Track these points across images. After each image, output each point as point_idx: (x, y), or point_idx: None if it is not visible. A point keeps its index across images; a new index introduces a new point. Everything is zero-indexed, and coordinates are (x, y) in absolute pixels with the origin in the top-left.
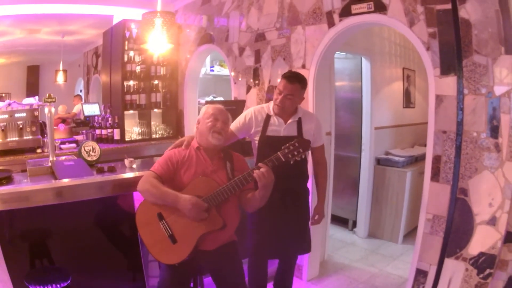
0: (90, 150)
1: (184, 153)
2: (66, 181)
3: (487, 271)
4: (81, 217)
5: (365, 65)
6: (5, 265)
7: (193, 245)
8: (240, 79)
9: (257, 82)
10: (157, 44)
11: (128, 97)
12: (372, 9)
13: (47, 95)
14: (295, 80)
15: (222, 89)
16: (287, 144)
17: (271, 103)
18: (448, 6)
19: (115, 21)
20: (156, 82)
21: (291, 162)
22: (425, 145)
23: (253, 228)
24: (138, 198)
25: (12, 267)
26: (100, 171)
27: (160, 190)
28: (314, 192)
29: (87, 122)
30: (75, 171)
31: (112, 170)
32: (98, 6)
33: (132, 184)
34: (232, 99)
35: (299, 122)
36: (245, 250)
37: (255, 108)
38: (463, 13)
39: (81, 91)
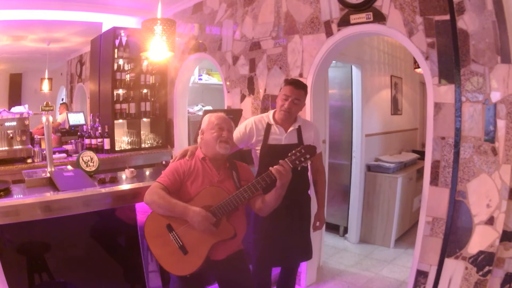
0: (88, 160)
1: (189, 164)
2: (71, 193)
3: (486, 268)
4: (81, 229)
5: (356, 73)
6: (6, 281)
7: (205, 255)
8: (228, 85)
9: (252, 91)
10: (157, 52)
11: (118, 106)
12: (371, 19)
13: (45, 103)
14: (301, 86)
15: (210, 98)
16: (293, 151)
17: (271, 113)
18: (447, 17)
19: (104, 29)
20: (145, 91)
21: (298, 169)
22: (412, 151)
23: (257, 237)
24: (140, 209)
25: (12, 282)
26: (102, 182)
27: (169, 202)
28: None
29: (72, 132)
30: (76, 182)
31: (113, 180)
32: (88, 13)
33: (136, 195)
34: (225, 108)
35: (299, 130)
36: (248, 257)
37: (255, 118)
38: (461, 24)
39: (62, 99)
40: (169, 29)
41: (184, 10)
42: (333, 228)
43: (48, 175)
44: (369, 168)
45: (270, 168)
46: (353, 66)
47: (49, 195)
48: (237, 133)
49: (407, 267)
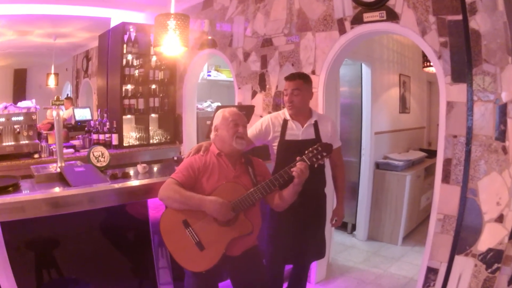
0: (99, 156)
1: (204, 160)
2: (83, 188)
3: (495, 265)
4: (92, 225)
5: (366, 71)
6: (13, 277)
7: (222, 251)
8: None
9: (263, 87)
10: (170, 47)
11: (126, 101)
12: (385, 17)
13: (55, 97)
14: (296, 77)
15: (218, 95)
16: (310, 149)
17: (287, 109)
18: (459, 17)
19: (112, 24)
20: (154, 86)
21: (315, 166)
22: (419, 149)
23: (272, 233)
24: (151, 205)
25: (21, 278)
26: (114, 177)
27: (184, 195)
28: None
29: (78, 127)
30: (88, 177)
31: (126, 176)
32: (96, 8)
33: (149, 191)
34: (236, 104)
35: (316, 125)
36: (262, 253)
37: (272, 115)
38: (473, 24)
39: (68, 94)
40: (183, 24)
41: (194, 6)
42: (341, 225)
43: (59, 170)
44: (377, 165)
45: (292, 169)
46: (363, 64)
47: (61, 191)
48: (253, 130)
49: (414, 264)
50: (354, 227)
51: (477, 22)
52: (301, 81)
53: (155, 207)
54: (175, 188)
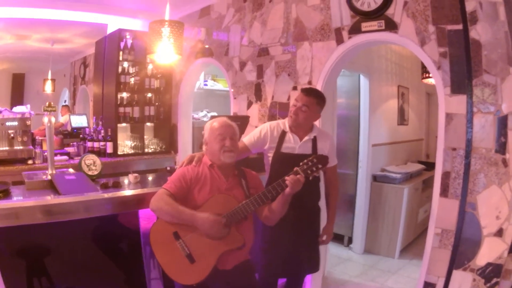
0: (91, 164)
1: (197, 170)
2: (71, 197)
3: (494, 280)
4: (82, 234)
5: (364, 82)
6: (4, 285)
7: (213, 265)
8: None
9: (259, 97)
10: (164, 54)
11: (121, 109)
12: (383, 27)
13: (47, 103)
14: (312, 93)
15: (214, 104)
16: (305, 160)
17: (287, 120)
18: (459, 26)
19: (109, 30)
20: (149, 95)
21: (310, 178)
22: (418, 162)
23: (265, 246)
24: (143, 215)
25: (11, 287)
26: (105, 186)
27: (176, 209)
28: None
29: (74, 134)
30: (78, 186)
31: (117, 185)
32: (93, 14)
33: (140, 201)
34: (231, 114)
35: (314, 141)
36: (255, 267)
37: (271, 124)
38: (473, 34)
39: (65, 101)
40: (177, 31)
41: (191, 14)
42: (337, 238)
43: (49, 177)
44: (375, 178)
45: (286, 177)
46: (361, 75)
47: (49, 199)
48: (252, 137)
49: (412, 278)
50: (350, 240)
51: (477, 32)
52: (314, 100)
53: (146, 218)
54: (167, 199)
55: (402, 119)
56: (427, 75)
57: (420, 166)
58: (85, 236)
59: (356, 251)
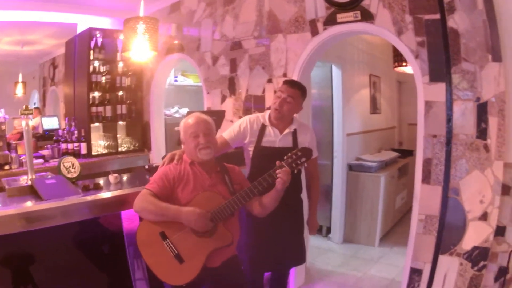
0: (69, 166)
1: (179, 169)
2: (56, 202)
3: (481, 263)
4: (66, 239)
5: (336, 72)
6: None
7: (202, 264)
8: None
9: (233, 91)
10: (139, 52)
11: (94, 109)
12: (359, 18)
13: (24, 106)
14: (296, 85)
15: (185, 100)
16: (289, 154)
17: (267, 113)
18: (437, 16)
19: (79, 30)
20: (121, 93)
21: (295, 171)
22: (391, 149)
23: (249, 241)
24: (125, 216)
25: None
26: (86, 189)
27: (160, 206)
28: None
29: (46, 136)
30: (60, 190)
31: (98, 187)
32: (62, 13)
33: (123, 202)
34: (205, 109)
35: (295, 134)
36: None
37: (250, 117)
38: (451, 23)
39: (35, 103)
40: (152, 27)
41: (161, 10)
42: None
43: (30, 182)
44: (350, 167)
45: (277, 170)
46: (333, 66)
47: (33, 205)
48: (231, 132)
49: (394, 265)
50: (329, 230)
51: (455, 21)
52: (299, 92)
53: (128, 218)
54: (150, 199)
55: (374, 107)
56: (399, 63)
57: (395, 154)
58: (69, 240)
59: (336, 241)
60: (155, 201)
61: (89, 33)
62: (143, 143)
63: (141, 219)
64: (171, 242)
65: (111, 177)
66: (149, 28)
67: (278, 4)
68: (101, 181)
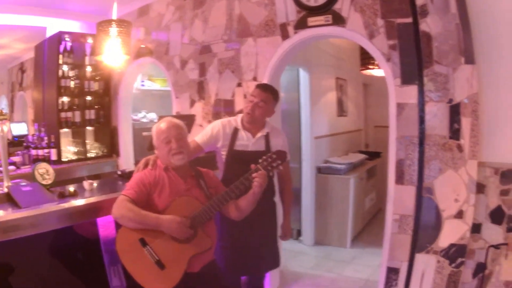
0: (44, 173)
1: (154, 174)
2: (35, 210)
3: (459, 260)
4: (44, 248)
5: (304, 76)
6: None
7: (184, 269)
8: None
9: (202, 96)
10: (112, 55)
11: (63, 114)
12: (330, 21)
13: None
14: (269, 89)
15: (152, 105)
16: (264, 157)
17: (239, 117)
18: (409, 20)
19: (48, 34)
20: (89, 98)
21: (271, 174)
22: (359, 152)
23: (225, 245)
24: (101, 223)
25: None
26: (62, 195)
27: (139, 214)
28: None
29: (16, 142)
30: (37, 197)
31: (74, 194)
32: (33, 16)
33: (100, 209)
34: (174, 113)
35: (267, 137)
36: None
37: (223, 121)
38: (424, 26)
39: (3, 109)
40: (125, 30)
41: (129, 13)
42: None
43: (6, 190)
44: (319, 170)
45: (254, 174)
46: (300, 69)
47: (12, 213)
48: (204, 136)
49: (368, 266)
50: (299, 233)
51: (428, 25)
52: (272, 96)
53: (104, 225)
54: (129, 206)
55: (341, 110)
56: (367, 66)
57: (362, 156)
58: (46, 249)
59: (307, 243)
60: (134, 208)
61: (59, 37)
62: (112, 149)
63: (118, 226)
64: (152, 248)
65: (86, 184)
66: (122, 31)
67: (249, 7)
68: (71, 188)
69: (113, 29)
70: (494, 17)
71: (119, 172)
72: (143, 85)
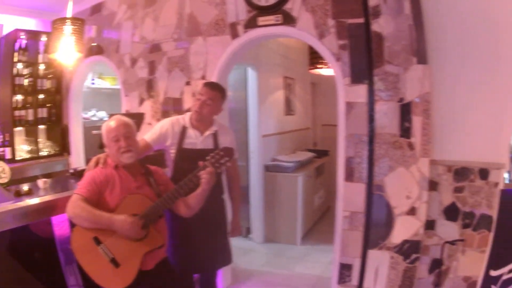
0: (1, 172)
1: (105, 172)
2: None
3: (413, 256)
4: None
5: (252, 75)
6: None
7: (138, 266)
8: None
9: (151, 94)
10: (66, 53)
11: (17, 112)
12: (281, 21)
13: None
14: (216, 88)
15: (102, 103)
16: (212, 154)
17: (187, 115)
18: (361, 20)
19: (4, 31)
20: (42, 96)
21: (219, 171)
22: (306, 150)
23: (176, 243)
24: (56, 222)
25: None
26: (18, 194)
27: (92, 214)
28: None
29: None
30: None
31: (30, 193)
32: None
33: (55, 207)
34: (124, 112)
35: (215, 135)
36: None
37: (172, 119)
38: (376, 27)
39: None
40: (79, 29)
41: (82, 11)
42: None
43: None
44: (267, 168)
45: (202, 176)
46: (248, 68)
47: None
48: (153, 134)
49: (320, 262)
50: (248, 230)
51: (380, 25)
52: (219, 94)
53: (58, 224)
54: (83, 205)
55: (289, 109)
56: (315, 66)
57: (310, 154)
58: (2, 249)
59: (257, 241)
60: (87, 207)
61: (15, 34)
62: (63, 147)
63: (72, 225)
64: (106, 247)
65: (40, 182)
66: (76, 29)
67: (199, 7)
68: (25, 187)
69: (68, 27)
70: (449, 18)
71: (71, 171)
72: (93, 83)
